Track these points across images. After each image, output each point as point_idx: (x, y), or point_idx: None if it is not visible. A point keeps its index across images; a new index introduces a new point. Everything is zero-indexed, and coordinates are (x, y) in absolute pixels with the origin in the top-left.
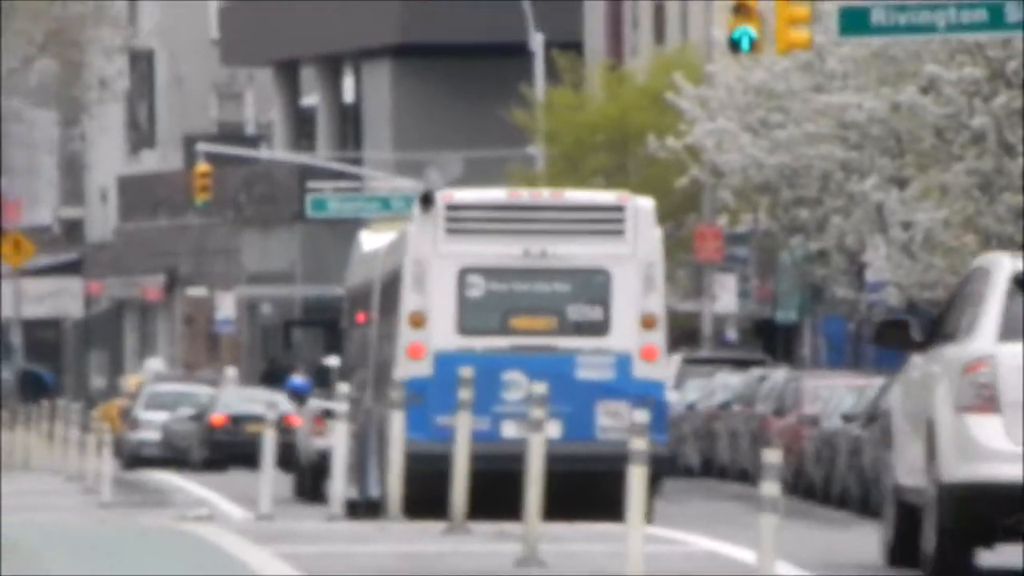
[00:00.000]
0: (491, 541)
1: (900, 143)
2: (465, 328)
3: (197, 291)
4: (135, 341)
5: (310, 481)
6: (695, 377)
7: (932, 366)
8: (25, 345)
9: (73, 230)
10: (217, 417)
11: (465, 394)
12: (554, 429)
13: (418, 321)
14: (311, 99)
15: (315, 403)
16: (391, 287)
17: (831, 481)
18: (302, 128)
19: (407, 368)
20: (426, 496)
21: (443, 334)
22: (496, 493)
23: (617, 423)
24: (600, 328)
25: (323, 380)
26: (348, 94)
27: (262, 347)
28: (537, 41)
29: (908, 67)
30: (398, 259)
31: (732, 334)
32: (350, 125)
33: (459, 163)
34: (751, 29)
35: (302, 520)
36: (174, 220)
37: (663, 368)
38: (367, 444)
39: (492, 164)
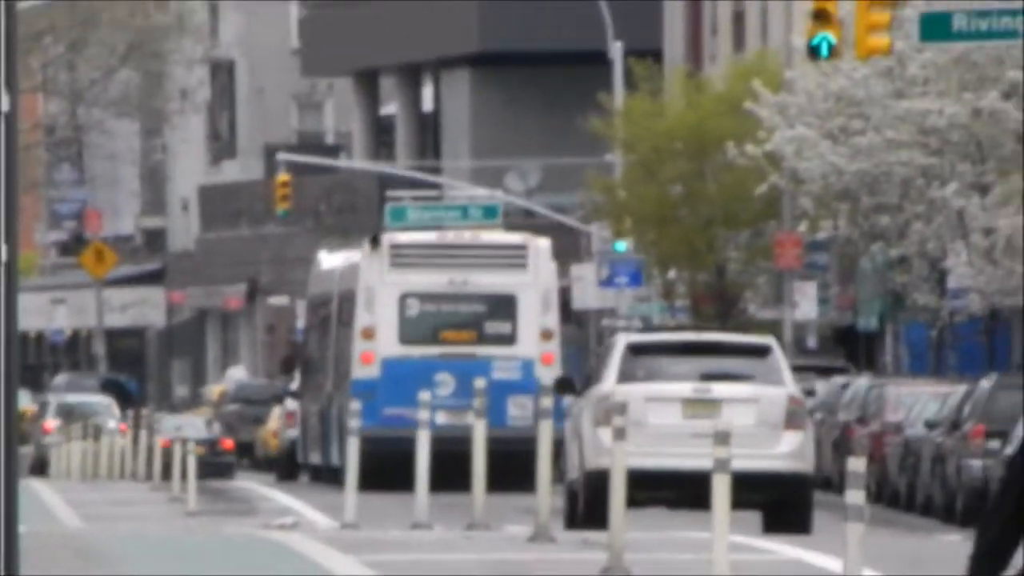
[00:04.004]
0: (576, 549)
1: (981, 149)
2: (405, 339)
3: (278, 300)
4: (217, 350)
5: (285, 464)
6: None
7: (582, 402)
8: (108, 354)
9: (155, 240)
10: (162, 440)
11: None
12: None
13: (368, 334)
14: (390, 108)
15: (291, 404)
16: (346, 303)
17: (915, 488)
18: (381, 137)
19: (360, 371)
20: (378, 468)
21: (388, 344)
22: (434, 468)
23: (523, 412)
24: (509, 339)
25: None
26: (427, 103)
27: None
28: (616, 49)
29: (989, 72)
30: (352, 283)
31: (812, 342)
32: (429, 134)
33: (538, 171)
34: (830, 35)
35: (387, 529)
36: (255, 230)
37: (557, 370)
38: (329, 423)
39: (570, 171)
